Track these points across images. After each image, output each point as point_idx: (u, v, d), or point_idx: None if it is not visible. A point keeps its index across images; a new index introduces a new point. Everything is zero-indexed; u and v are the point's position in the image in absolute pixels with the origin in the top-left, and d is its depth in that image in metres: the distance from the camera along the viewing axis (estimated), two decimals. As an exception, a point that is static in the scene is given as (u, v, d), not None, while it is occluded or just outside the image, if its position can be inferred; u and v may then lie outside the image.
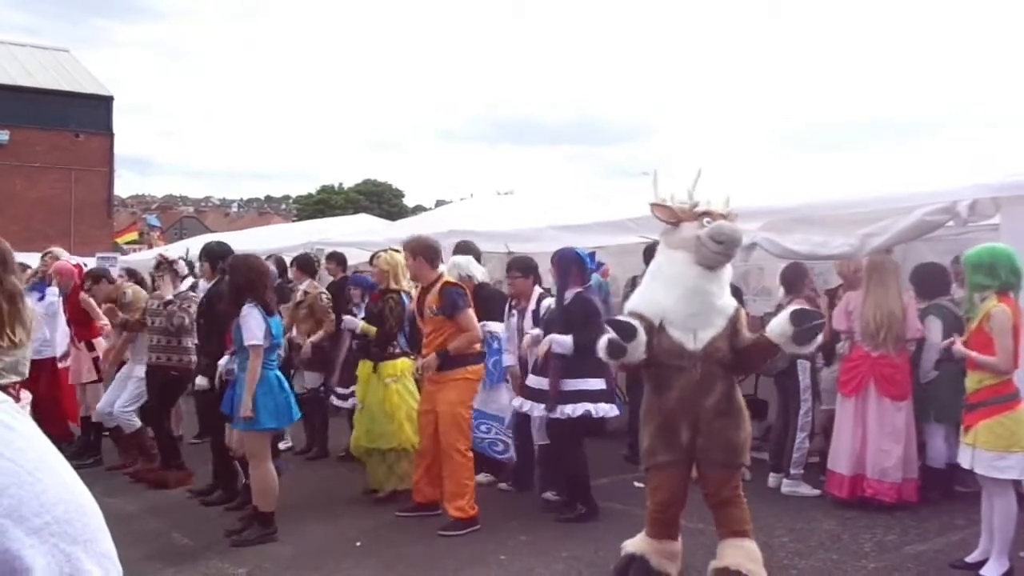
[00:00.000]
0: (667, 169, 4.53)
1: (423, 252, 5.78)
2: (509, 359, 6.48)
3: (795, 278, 6.64)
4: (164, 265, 6.86)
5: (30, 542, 0.60)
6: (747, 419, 4.35)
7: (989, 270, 4.55)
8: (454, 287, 5.68)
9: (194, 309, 6.55)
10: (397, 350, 6.34)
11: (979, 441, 4.51)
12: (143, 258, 15.47)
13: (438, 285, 5.66)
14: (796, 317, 4.04)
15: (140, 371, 7.00)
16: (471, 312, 5.65)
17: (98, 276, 7.87)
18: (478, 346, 5.82)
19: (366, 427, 6.29)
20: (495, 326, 6.38)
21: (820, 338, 4.17)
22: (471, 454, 5.74)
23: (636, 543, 4.34)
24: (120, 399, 7.04)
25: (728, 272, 4.33)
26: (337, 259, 8.69)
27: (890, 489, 5.88)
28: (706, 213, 4.16)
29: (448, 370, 5.65)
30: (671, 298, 4.14)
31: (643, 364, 4.20)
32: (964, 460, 4.67)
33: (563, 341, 5.69)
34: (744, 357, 4.34)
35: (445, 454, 5.66)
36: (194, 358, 6.58)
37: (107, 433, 8.15)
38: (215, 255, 6.42)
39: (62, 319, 7.84)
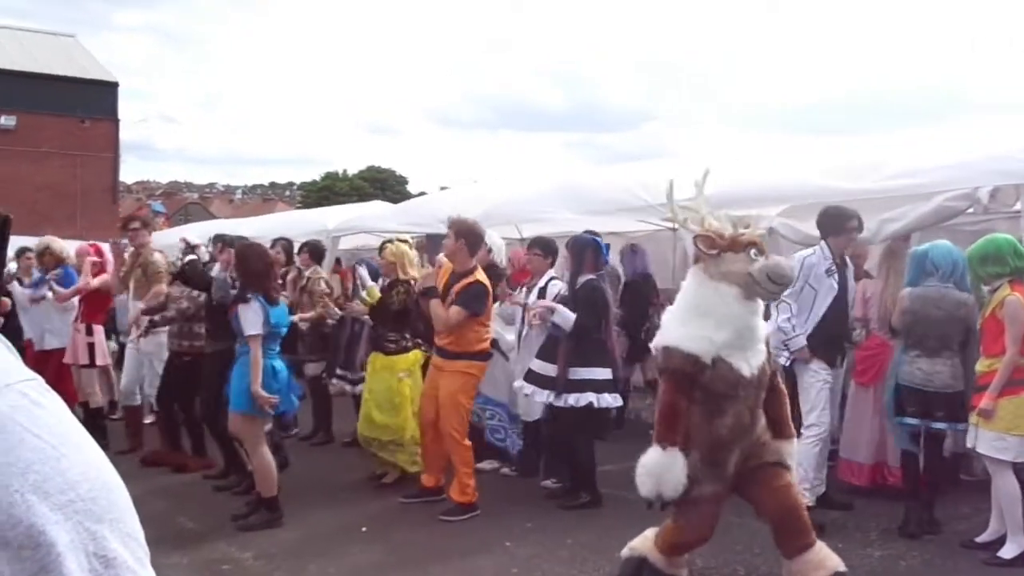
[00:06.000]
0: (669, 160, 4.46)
1: (467, 236, 5.62)
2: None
3: None
4: (188, 250, 6.84)
5: (55, 518, 0.60)
6: None
7: (997, 259, 4.65)
8: (483, 288, 5.58)
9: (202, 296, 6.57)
10: (409, 343, 6.29)
11: (982, 421, 4.60)
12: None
13: (470, 278, 5.56)
14: None
15: (145, 345, 7.08)
16: (464, 313, 5.50)
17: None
18: (486, 346, 5.76)
19: (370, 416, 6.27)
20: None
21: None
22: (468, 442, 5.71)
23: (645, 547, 4.13)
24: (147, 380, 7.18)
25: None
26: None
27: None
28: (752, 243, 3.96)
29: (452, 359, 5.64)
30: (723, 334, 3.91)
31: (692, 391, 3.95)
32: (968, 439, 4.76)
33: (566, 315, 5.68)
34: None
35: (444, 438, 5.67)
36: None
37: (114, 417, 8.18)
38: (229, 243, 6.54)
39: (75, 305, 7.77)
